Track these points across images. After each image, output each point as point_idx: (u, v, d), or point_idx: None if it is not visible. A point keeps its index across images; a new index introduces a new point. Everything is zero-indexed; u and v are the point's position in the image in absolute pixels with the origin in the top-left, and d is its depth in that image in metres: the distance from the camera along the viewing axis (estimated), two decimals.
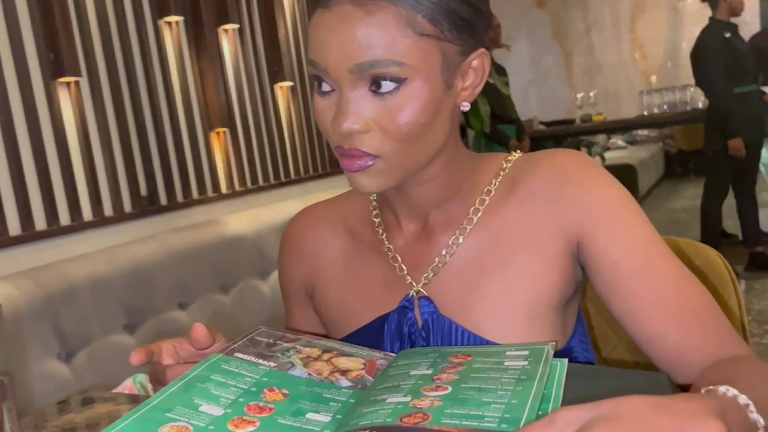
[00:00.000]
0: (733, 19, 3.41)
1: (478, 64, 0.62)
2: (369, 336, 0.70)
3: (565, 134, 4.57)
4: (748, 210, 3.58)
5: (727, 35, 3.34)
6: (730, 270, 0.80)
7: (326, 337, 0.75)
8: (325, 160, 2.61)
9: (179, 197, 1.96)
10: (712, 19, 3.42)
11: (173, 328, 1.65)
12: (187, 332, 0.64)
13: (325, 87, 0.60)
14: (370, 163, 0.60)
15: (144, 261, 1.60)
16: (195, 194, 2.02)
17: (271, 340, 0.61)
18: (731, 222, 3.83)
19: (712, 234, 3.62)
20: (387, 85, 0.57)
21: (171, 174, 1.93)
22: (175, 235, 1.72)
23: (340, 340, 0.73)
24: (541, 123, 4.79)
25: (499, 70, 3.93)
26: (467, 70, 0.62)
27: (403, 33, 0.56)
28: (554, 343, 0.56)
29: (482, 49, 0.62)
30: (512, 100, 3.90)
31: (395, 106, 0.58)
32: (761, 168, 3.82)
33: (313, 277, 0.77)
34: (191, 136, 2.02)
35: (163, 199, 1.91)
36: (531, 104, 5.31)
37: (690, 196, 5.66)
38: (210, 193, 2.07)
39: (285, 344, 0.60)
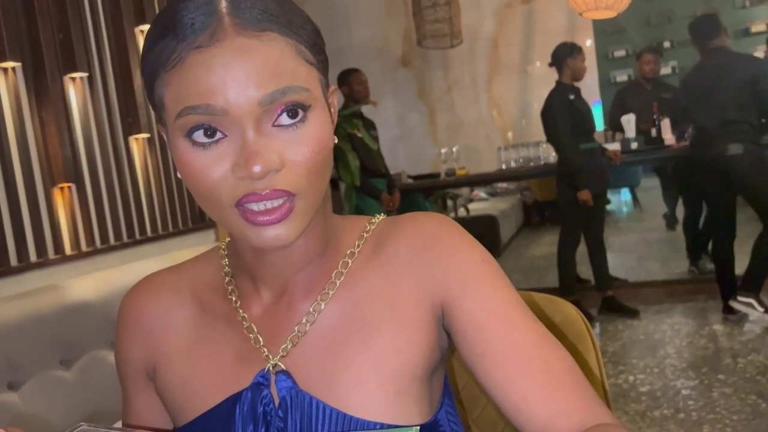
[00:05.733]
0: (576, 83, 3.74)
1: (332, 100, 0.62)
2: (217, 420, 0.62)
3: (431, 187, 4.72)
4: (598, 256, 3.86)
5: (572, 97, 3.66)
6: (587, 324, 0.82)
7: (167, 430, 0.65)
8: (186, 215, 2.47)
9: (12, 261, 1.74)
10: (558, 83, 3.73)
11: (1, 414, 1.42)
12: (20, 418, 0.52)
13: (209, 136, 0.53)
14: (288, 205, 0.54)
15: None
16: (33, 257, 1.80)
17: None
18: (584, 268, 4.10)
19: (568, 280, 3.86)
20: (298, 114, 0.54)
21: (3, 235, 1.72)
22: (3, 304, 1.51)
23: (183, 426, 0.64)
24: (409, 177, 4.93)
25: (368, 124, 4.01)
26: (330, 105, 0.61)
27: (298, 61, 0.54)
28: (418, 427, 0.52)
29: (333, 87, 0.62)
30: (381, 154, 3.98)
31: (306, 135, 0.54)
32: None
33: (154, 356, 0.68)
34: (29, 192, 1.81)
35: None
36: (399, 159, 5.46)
37: (547, 243, 6.04)
38: (51, 255, 1.86)
39: None
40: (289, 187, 0.55)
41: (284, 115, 0.54)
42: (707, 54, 3.38)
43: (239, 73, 0.52)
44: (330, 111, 0.61)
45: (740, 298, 3.31)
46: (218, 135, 0.54)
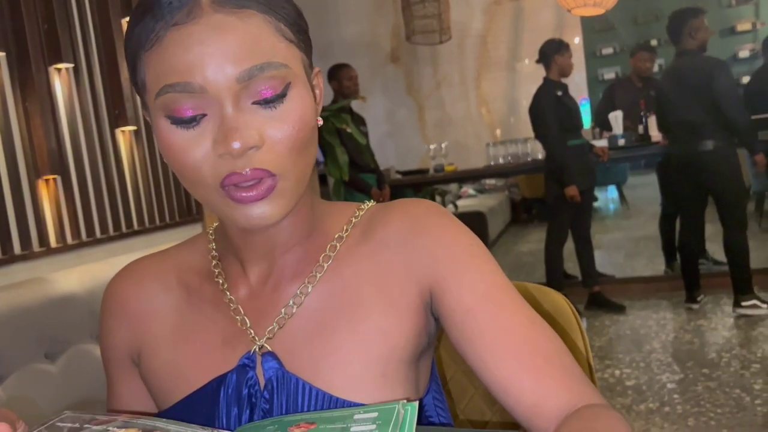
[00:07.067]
0: (564, 80, 3.75)
1: (317, 82, 0.61)
2: (202, 402, 0.61)
3: (419, 183, 4.73)
4: (585, 252, 3.88)
5: (559, 93, 3.67)
6: (575, 314, 0.82)
7: (153, 415, 0.65)
8: (173, 208, 2.45)
9: None
10: (545, 79, 3.74)
11: None
12: (5, 407, 0.52)
13: (189, 114, 0.53)
14: (270, 183, 0.54)
15: None
16: (17, 249, 1.78)
17: (76, 425, 0.50)
18: (571, 264, 4.12)
19: (555, 276, 3.88)
20: (277, 90, 0.53)
21: None
22: None
23: (168, 409, 0.63)
24: (398, 172, 4.93)
25: (358, 119, 4.01)
26: (313, 86, 0.61)
27: (277, 38, 0.54)
28: (404, 401, 0.52)
29: (318, 68, 0.61)
30: (371, 149, 3.98)
31: (286, 112, 0.54)
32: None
33: (138, 341, 0.67)
34: (13, 183, 1.79)
35: None
36: (388, 154, 5.46)
37: (534, 240, 6.06)
38: (36, 247, 1.84)
39: (95, 427, 0.50)
40: (269, 166, 0.54)
41: (266, 90, 0.54)
42: (677, 54, 3.45)
43: (216, 50, 0.52)
44: (314, 92, 0.60)
45: (743, 304, 3.37)
46: (199, 112, 0.54)
